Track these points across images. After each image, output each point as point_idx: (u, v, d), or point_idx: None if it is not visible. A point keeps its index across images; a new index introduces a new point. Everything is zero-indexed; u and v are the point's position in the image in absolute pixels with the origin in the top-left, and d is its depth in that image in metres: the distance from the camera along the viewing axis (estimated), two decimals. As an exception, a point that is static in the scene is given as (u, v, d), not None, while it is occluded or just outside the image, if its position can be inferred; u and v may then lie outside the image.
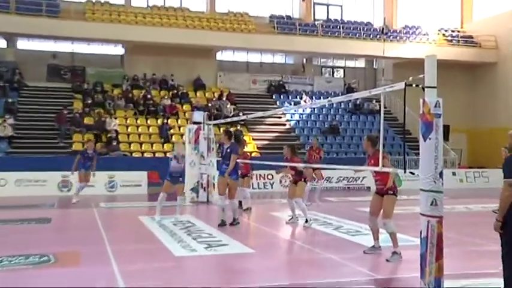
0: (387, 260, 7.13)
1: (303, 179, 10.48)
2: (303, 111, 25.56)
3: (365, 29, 27.63)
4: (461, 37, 28.63)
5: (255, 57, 27.84)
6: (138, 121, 22.50)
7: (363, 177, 19.71)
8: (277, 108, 21.94)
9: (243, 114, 19.18)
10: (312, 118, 25.70)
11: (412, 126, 18.29)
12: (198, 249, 7.95)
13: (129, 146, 20.95)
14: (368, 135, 7.78)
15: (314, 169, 14.00)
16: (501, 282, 4.95)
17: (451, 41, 28.45)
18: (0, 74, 22.41)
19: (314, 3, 28.69)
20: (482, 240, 8.58)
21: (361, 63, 30.03)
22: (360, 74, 29.68)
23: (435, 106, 4.95)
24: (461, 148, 26.13)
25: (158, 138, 21.64)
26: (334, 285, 6.09)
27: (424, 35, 28.26)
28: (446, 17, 29.87)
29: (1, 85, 21.77)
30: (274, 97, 26.16)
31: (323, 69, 29.81)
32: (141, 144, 21.22)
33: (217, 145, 15.22)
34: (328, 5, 29.29)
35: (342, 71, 29.97)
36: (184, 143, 14.72)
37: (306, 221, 10.21)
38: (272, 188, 19.10)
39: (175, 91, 24.32)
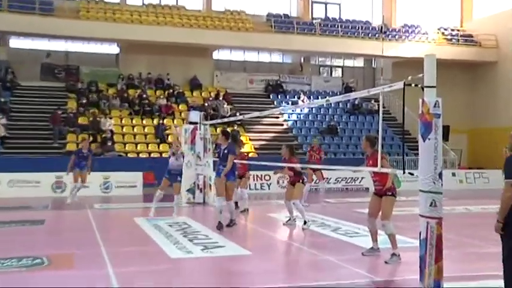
0: (386, 262, 7.14)
1: (300, 180, 10.48)
2: (301, 111, 25.56)
3: (363, 27, 27.65)
4: (461, 36, 28.67)
5: (252, 57, 27.84)
6: (134, 121, 22.48)
7: (362, 178, 19.73)
8: (274, 108, 21.91)
9: (240, 114, 19.17)
10: (310, 118, 25.71)
11: (411, 127, 18.27)
12: (194, 251, 7.95)
13: (124, 147, 20.92)
14: (367, 135, 7.79)
15: (314, 170, 14.03)
16: (501, 284, 4.95)
17: (450, 40, 28.50)
18: (-8, 73, 22.40)
19: (312, 2, 28.70)
20: (482, 242, 8.60)
21: (359, 63, 30.06)
22: (359, 73, 29.71)
23: (434, 106, 4.95)
24: (461, 148, 26.17)
25: (154, 138, 21.63)
26: (332, 288, 6.10)
27: (424, 34, 28.30)
28: (445, 16, 29.92)
29: (-6, 84, 21.76)
30: (271, 97, 26.16)
31: (321, 68, 29.83)
32: (136, 144, 21.20)
33: (214, 145, 15.21)
34: (326, 3, 29.32)
35: (340, 70, 29.98)
36: (178, 138, 14.62)
37: (305, 222, 10.20)
38: (269, 189, 19.09)
39: (171, 91, 24.30)
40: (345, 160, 21.31)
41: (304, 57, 28.55)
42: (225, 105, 23.58)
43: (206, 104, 23.50)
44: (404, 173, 5.71)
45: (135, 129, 22.10)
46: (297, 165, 10.36)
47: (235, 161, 10.36)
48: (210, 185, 14.54)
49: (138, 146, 21.14)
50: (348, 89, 26.15)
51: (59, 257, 7.47)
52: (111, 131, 20.77)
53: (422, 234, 4.99)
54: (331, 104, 25.55)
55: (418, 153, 5.16)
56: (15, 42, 24.30)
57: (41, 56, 23.87)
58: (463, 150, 26.55)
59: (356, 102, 26.30)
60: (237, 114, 21.42)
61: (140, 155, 20.56)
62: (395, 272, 6.93)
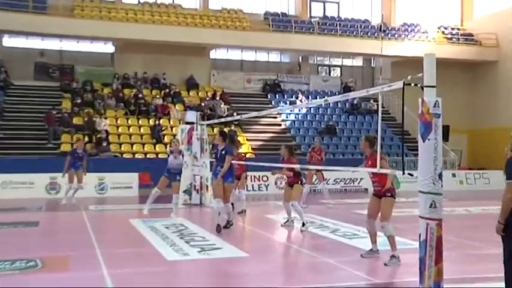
0: (385, 264, 7.15)
1: (299, 181, 10.48)
2: (299, 111, 25.57)
3: (362, 26, 27.69)
4: (461, 35, 28.73)
5: (249, 56, 27.85)
6: (129, 121, 22.46)
7: (361, 179, 19.76)
8: (272, 108, 21.93)
9: (237, 114, 19.17)
10: (308, 118, 25.73)
11: (411, 127, 18.35)
12: (191, 253, 7.95)
13: (120, 147, 20.90)
14: (366, 135, 7.79)
15: (316, 171, 14.05)
16: (502, 286, 4.96)
17: (450, 39, 28.56)
18: (-15, 73, 22.35)
19: (310, 0, 28.73)
20: (483, 243, 8.62)
21: (358, 62, 30.08)
22: (358, 72, 29.73)
23: (434, 106, 4.96)
24: (461, 149, 26.22)
25: (150, 138, 21.61)
26: (331, 290, 6.11)
27: (423, 32, 28.35)
28: (445, 15, 29.96)
29: (-14, 84, 21.72)
30: (269, 96, 26.18)
31: (319, 67, 29.85)
32: (132, 145, 21.18)
33: (211, 146, 15.20)
34: (324, 2, 29.35)
35: (338, 69, 30.01)
36: (176, 137, 14.61)
37: (303, 224, 10.20)
38: (267, 190, 19.11)
39: (167, 90, 24.29)
40: (344, 161, 21.31)
41: (302, 56, 28.56)
42: (222, 105, 23.57)
43: (203, 104, 23.50)
44: (403, 173, 5.71)
45: (130, 130, 22.08)
46: (296, 166, 10.35)
47: (232, 161, 10.34)
48: (207, 186, 14.54)
49: (134, 146, 21.12)
50: (346, 89, 26.18)
51: (53, 259, 7.46)
52: (107, 131, 20.74)
53: (422, 235, 4.99)
54: (329, 103, 25.57)
55: (417, 154, 5.16)
56: (8, 41, 24.26)
57: (35, 55, 23.84)
58: (463, 151, 26.61)
59: (355, 102, 26.33)
60: (234, 114, 21.43)
61: (136, 156, 20.53)
62: (395, 274, 6.94)
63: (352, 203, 15.69)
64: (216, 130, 16.12)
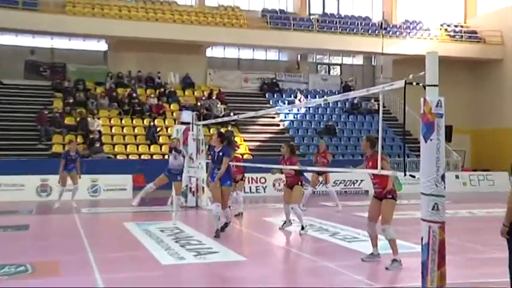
0: (386, 268, 7.15)
1: (299, 182, 10.46)
2: (298, 110, 25.59)
3: (363, 24, 27.73)
4: (464, 32, 28.80)
5: (246, 54, 27.87)
6: (123, 121, 22.44)
7: (361, 181, 19.77)
8: (270, 107, 21.95)
9: (234, 114, 19.18)
10: (307, 118, 25.75)
11: (413, 127, 18.42)
12: (187, 257, 7.94)
13: (113, 148, 20.88)
14: (367, 136, 7.80)
15: (320, 173, 14.02)
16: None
17: (453, 36, 28.61)
18: (-26, 71, 22.33)
19: (309, -3, 28.79)
20: (487, 247, 8.63)
21: (358, 60, 30.13)
22: (358, 71, 29.77)
23: (437, 105, 4.97)
24: (464, 149, 26.27)
25: (144, 139, 21.59)
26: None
27: (426, 30, 28.41)
28: (448, 12, 30.04)
29: (-25, 83, 21.70)
30: (267, 96, 26.19)
31: (319, 66, 29.88)
32: (126, 145, 21.16)
33: (207, 146, 15.19)
34: (324, -1, 29.42)
35: (338, 68, 30.06)
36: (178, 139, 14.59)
37: (302, 227, 10.19)
38: (265, 192, 19.09)
39: (162, 89, 24.27)
40: (344, 162, 21.25)
41: (301, 54, 28.59)
42: (219, 105, 23.57)
43: (199, 104, 23.50)
44: (405, 175, 5.72)
45: (124, 130, 22.06)
46: (295, 167, 10.34)
47: (230, 163, 10.30)
48: (203, 188, 14.52)
49: (128, 147, 21.10)
50: (346, 88, 26.21)
51: (43, 264, 7.44)
52: (100, 131, 20.72)
53: (424, 239, 5.00)
54: (329, 103, 25.61)
55: (419, 155, 5.18)
56: (-3, 39, 24.26)
57: (25, 53, 23.80)
58: (466, 151, 26.66)
59: (355, 101, 26.35)
60: (231, 114, 21.44)
61: (130, 157, 20.51)
62: (397, 279, 6.94)
63: (353, 205, 15.69)
64: (212, 130, 16.19)
